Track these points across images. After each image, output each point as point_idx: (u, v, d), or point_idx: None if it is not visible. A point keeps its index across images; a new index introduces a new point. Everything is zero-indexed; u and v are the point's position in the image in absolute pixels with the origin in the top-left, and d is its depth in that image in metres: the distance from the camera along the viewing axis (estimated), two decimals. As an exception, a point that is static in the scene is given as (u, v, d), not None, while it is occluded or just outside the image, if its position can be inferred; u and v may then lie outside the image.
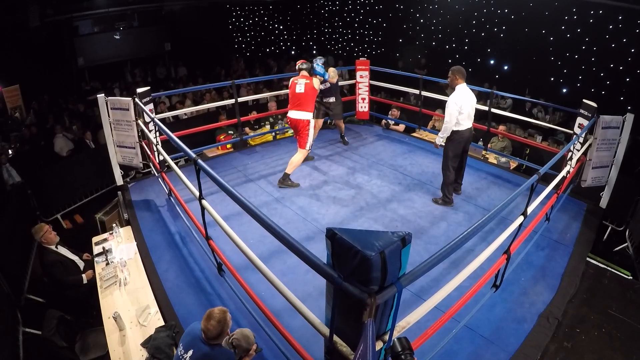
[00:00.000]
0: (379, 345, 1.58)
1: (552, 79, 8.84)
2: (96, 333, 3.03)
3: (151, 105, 4.61)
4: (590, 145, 3.99)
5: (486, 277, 2.51)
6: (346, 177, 4.75)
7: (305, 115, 4.29)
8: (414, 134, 6.33)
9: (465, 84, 3.79)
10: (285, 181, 4.52)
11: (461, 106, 3.74)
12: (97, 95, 4.33)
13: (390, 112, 6.73)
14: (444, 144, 4.00)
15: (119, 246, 3.55)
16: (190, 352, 2.02)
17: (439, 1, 10.19)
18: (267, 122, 6.99)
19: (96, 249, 3.55)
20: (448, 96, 3.91)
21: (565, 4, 8.08)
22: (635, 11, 7.11)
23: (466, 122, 3.85)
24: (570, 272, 3.22)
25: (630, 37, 7.45)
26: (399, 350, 1.49)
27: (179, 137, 2.98)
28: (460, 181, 4.33)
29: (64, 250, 3.59)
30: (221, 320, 2.02)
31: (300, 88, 4.26)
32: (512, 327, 2.71)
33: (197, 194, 2.68)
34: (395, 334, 1.62)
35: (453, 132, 3.86)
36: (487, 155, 5.58)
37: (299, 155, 4.45)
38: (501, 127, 5.97)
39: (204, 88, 8.44)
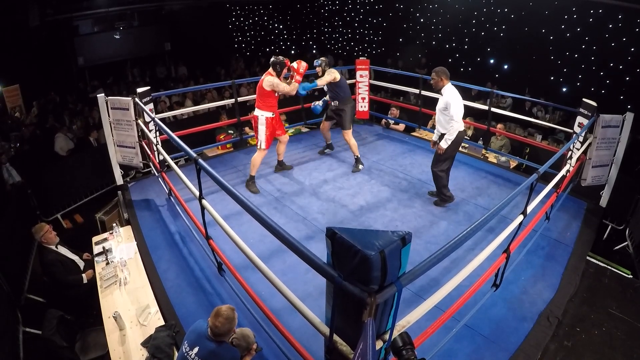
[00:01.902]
0: (379, 344, 1.58)
1: (552, 78, 8.84)
2: (96, 333, 3.03)
3: (151, 105, 4.61)
4: (590, 144, 3.99)
5: (486, 276, 2.51)
6: (346, 177, 4.75)
7: (257, 112, 4.19)
8: (414, 134, 6.33)
9: (450, 83, 3.67)
10: (249, 184, 4.44)
11: (461, 104, 3.66)
12: (97, 95, 4.33)
13: (389, 112, 6.73)
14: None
15: (119, 246, 3.55)
16: (195, 350, 2.02)
17: (439, 1, 10.19)
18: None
19: (96, 249, 3.55)
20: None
21: (565, 3, 8.08)
22: (635, 11, 7.11)
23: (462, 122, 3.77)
24: (570, 271, 3.22)
25: (630, 37, 7.45)
26: (400, 345, 1.49)
27: (179, 137, 2.97)
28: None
29: (64, 250, 3.59)
30: (229, 317, 2.04)
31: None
32: (512, 326, 2.71)
33: (197, 193, 2.67)
34: (395, 333, 1.62)
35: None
36: (486, 155, 5.58)
37: (256, 154, 4.36)
38: (499, 126, 5.96)
39: (204, 88, 8.45)
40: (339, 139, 5.82)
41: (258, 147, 4.32)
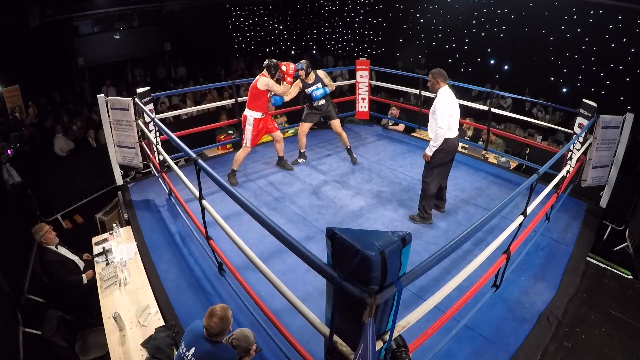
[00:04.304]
0: (379, 345, 1.58)
1: (552, 78, 8.85)
2: (96, 333, 3.03)
3: (151, 105, 4.62)
4: (590, 144, 3.99)
5: (486, 277, 2.51)
6: (346, 177, 4.75)
7: (246, 112, 4.38)
8: (414, 134, 6.33)
9: (447, 86, 3.48)
10: (230, 176, 4.61)
11: (451, 109, 3.44)
12: (97, 95, 4.33)
13: (389, 112, 6.73)
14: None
15: (119, 246, 3.55)
16: (192, 350, 2.02)
17: (439, 1, 10.20)
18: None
19: (96, 249, 3.55)
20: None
21: (565, 4, 8.09)
22: (635, 11, 7.12)
23: (455, 129, 3.53)
24: (570, 271, 3.22)
25: (630, 37, 7.46)
26: (395, 348, 1.50)
27: (179, 137, 2.98)
28: (445, 197, 3.99)
29: (64, 251, 3.58)
30: (223, 317, 2.04)
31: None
32: (512, 326, 2.71)
33: (197, 193, 2.68)
34: (396, 334, 1.62)
35: (443, 141, 3.47)
36: (487, 155, 5.58)
37: (240, 151, 4.56)
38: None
39: (203, 88, 8.45)
40: (336, 138, 5.84)
41: (243, 144, 4.52)
